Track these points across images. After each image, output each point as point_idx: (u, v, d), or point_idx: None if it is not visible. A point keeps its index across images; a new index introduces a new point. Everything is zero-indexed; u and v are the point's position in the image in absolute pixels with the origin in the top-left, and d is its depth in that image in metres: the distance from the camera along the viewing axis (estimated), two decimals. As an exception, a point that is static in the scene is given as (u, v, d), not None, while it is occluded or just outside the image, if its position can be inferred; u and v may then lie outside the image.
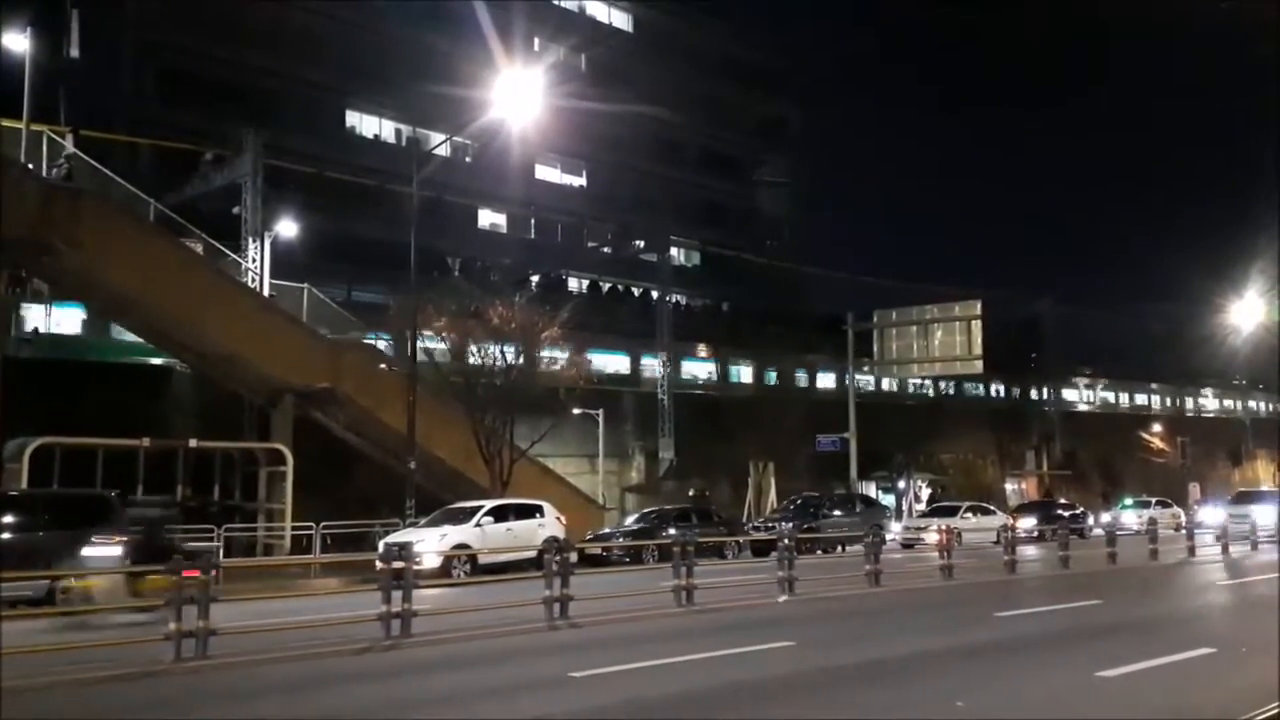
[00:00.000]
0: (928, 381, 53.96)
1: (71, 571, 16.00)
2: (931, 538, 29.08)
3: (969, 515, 34.92)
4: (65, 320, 33.99)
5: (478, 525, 23.13)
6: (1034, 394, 62.62)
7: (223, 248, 30.92)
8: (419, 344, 26.13)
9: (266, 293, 31.34)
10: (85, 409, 26.08)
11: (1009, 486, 54.89)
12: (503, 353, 29.06)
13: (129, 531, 16.10)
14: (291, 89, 44.86)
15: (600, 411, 37.54)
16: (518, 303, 30.65)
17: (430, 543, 21.29)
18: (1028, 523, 33.80)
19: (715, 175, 62.29)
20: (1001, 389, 62.10)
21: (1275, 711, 8.40)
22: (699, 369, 52.06)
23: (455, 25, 44.60)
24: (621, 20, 60.81)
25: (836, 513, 33.25)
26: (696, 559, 16.27)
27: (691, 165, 61.18)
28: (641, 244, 55.39)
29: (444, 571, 20.82)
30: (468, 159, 47.43)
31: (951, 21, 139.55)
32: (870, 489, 45.12)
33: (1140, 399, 78.21)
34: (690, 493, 40.43)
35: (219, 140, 35.53)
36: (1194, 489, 54.64)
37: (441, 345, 29.12)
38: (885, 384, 56.28)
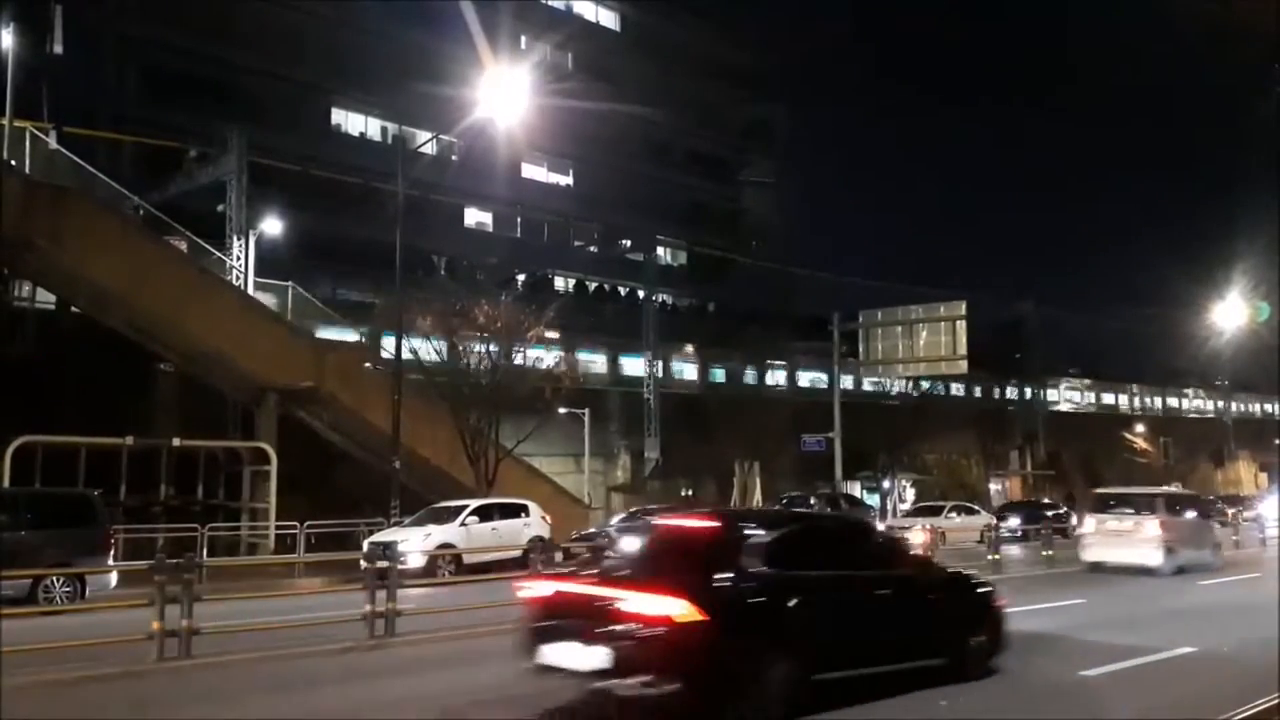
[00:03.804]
0: (921, 382, 54.12)
1: (57, 571, 15.97)
2: (916, 537, 29.18)
3: (953, 515, 35.08)
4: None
5: (463, 525, 23.09)
6: (1017, 394, 62.88)
7: (207, 246, 30.78)
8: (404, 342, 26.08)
9: (251, 291, 31.22)
10: (67, 407, 25.93)
11: (993, 486, 55.13)
12: (488, 352, 29.02)
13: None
14: (277, 86, 44.67)
15: (586, 411, 37.53)
16: (504, 301, 30.63)
17: (415, 542, 21.21)
18: (1011, 522, 33.96)
19: (702, 175, 62.34)
20: (986, 389, 62.29)
21: (1276, 702, 8.49)
22: (685, 368, 52.08)
23: (441, 23, 44.43)
24: (609, 19, 60.78)
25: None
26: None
27: (678, 165, 61.20)
28: (628, 244, 55.45)
29: (429, 571, 20.76)
30: (454, 157, 47.31)
31: (936, 24, 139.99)
32: (855, 489, 45.26)
33: (1123, 400, 78.62)
34: (684, 493, 40.53)
35: (204, 138, 35.36)
36: (1175, 489, 54.93)
37: (428, 344, 29.05)
38: (869, 384, 56.43)
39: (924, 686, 9.11)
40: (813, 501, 34.10)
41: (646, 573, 8.35)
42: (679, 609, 7.62)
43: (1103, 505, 22.40)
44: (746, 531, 9.08)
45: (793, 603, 8.36)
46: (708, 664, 7.65)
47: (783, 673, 7.96)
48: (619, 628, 7.71)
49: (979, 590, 10.56)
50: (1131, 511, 21.31)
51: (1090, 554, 21.35)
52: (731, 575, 8.27)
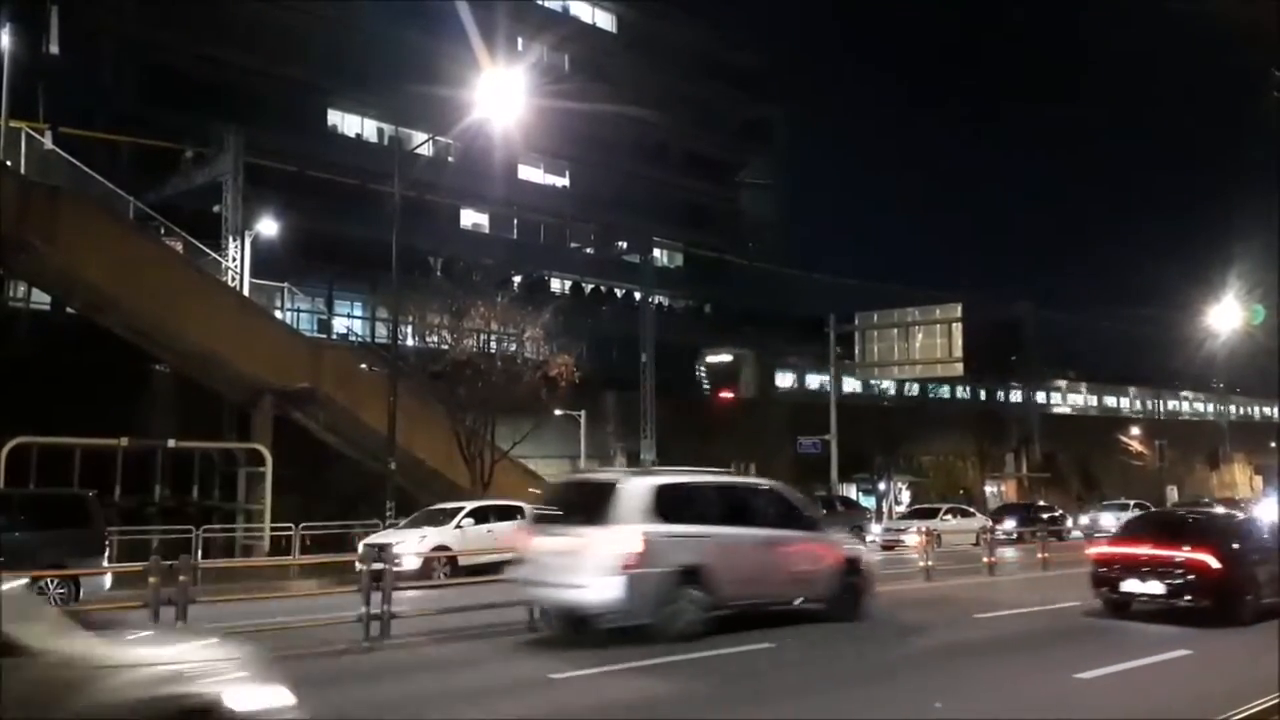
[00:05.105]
0: (912, 385, 54.17)
1: (55, 573, 15.91)
2: (911, 539, 29.22)
3: (949, 517, 35.06)
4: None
5: (458, 527, 23.02)
6: (1013, 396, 62.91)
7: (203, 246, 30.70)
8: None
9: (247, 292, 31.16)
10: (63, 407, 25.86)
11: (988, 489, 55.17)
12: (485, 352, 28.99)
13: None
14: (273, 87, 44.56)
15: (582, 412, 37.46)
16: (500, 302, 30.60)
17: (410, 544, 21.19)
18: (1007, 525, 33.99)
19: (699, 176, 62.28)
20: (981, 391, 62.30)
21: (1274, 702, 8.49)
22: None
23: (438, 24, 44.41)
24: (605, 20, 60.74)
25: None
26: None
27: (675, 166, 61.14)
28: (625, 245, 55.36)
29: (424, 573, 20.72)
30: (450, 158, 47.27)
31: (934, 27, 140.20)
32: (851, 491, 45.25)
33: (1119, 402, 78.71)
34: None
35: (200, 138, 35.30)
36: (1171, 491, 55.09)
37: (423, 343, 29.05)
38: (866, 386, 56.43)
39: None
40: None
41: (1181, 540, 14.33)
42: (1213, 561, 13.77)
43: None
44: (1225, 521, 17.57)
45: (1251, 561, 14.38)
46: (1223, 591, 13.72)
47: (1251, 598, 13.93)
48: (1171, 570, 13.93)
49: None
50: None
51: None
52: (1230, 545, 14.42)
